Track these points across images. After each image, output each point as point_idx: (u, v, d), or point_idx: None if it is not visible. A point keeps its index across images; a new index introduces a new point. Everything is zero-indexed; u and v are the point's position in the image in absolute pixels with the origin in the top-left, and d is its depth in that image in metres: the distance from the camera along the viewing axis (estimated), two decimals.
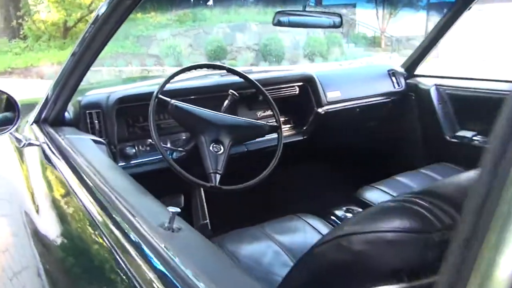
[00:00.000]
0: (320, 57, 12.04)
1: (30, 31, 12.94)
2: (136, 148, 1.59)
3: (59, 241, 0.88)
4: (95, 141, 1.20)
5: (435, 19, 14.96)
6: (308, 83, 1.94)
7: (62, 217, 0.91)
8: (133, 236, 0.68)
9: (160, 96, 1.34)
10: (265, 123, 1.49)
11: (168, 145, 1.63)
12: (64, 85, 1.17)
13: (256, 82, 1.56)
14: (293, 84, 1.91)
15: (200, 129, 1.36)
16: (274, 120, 1.83)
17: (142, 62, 11.51)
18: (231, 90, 1.55)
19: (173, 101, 1.35)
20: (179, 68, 1.44)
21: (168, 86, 1.41)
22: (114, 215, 0.73)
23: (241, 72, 1.55)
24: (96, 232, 0.75)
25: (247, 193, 2.27)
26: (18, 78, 11.50)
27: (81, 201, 0.81)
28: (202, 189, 2.13)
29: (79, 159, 0.97)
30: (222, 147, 1.35)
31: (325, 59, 12.07)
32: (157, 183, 1.56)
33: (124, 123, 1.59)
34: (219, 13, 13.07)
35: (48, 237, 0.91)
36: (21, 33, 12.94)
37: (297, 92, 1.93)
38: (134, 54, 12.18)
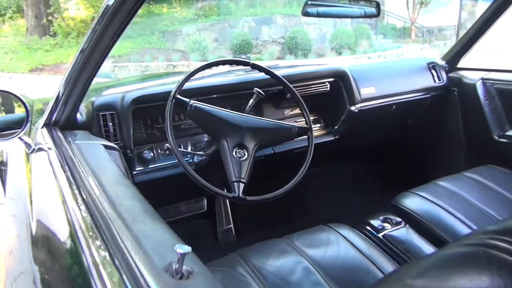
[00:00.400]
0: (348, 50, 11.70)
1: (59, 28, 13.21)
2: (155, 151, 1.48)
3: (46, 263, 0.76)
4: (107, 147, 1.10)
5: (468, 8, 14.40)
6: (341, 79, 1.78)
7: (50, 241, 0.80)
8: (130, 283, 0.53)
9: (178, 96, 1.22)
10: (294, 125, 1.34)
11: (189, 149, 1.52)
12: (74, 85, 1.06)
13: (284, 79, 1.42)
14: (324, 80, 1.75)
15: (222, 132, 1.23)
16: (304, 121, 1.69)
17: (168, 57, 11.52)
18: (256, 88, 1.41)
19: (192, 101, 1.23)
20: (200, 65, 1.32)
21: (187, 85, 1.29)
22: (111, 252, 0.59)
23: (267, 68, 1.41)
24: (83, 269, 0.60)
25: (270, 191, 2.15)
26: (48, 74, 11.75)
27: (75, 228, 0.68)
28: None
29: (85, 170, 0.86)
30: (246, 153, 1.22)
31: (352, 52, 11.74)
32: (178, 187, 1.44)
33: (142, 125, 1.48)
34: (244, 6, 12.92)
35: (37, 252, 0.79)
36: (51, 30, 13.22)
37: (328, 89, 1.77)
38: (160, 50, 12.22)
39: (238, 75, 1.71)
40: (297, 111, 1.81)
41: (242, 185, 1.17)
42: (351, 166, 2.38)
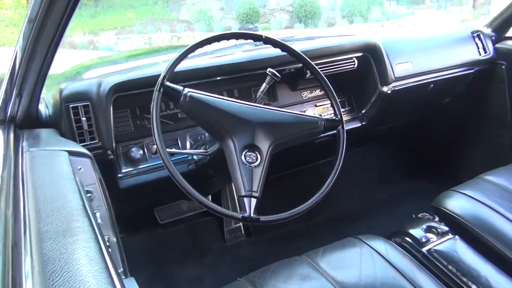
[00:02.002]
0: (360, 18, 11.16)
1: None
2: (146, 148, 1.20)
3: None
4: (75, 154, 0.82)
5: None
6: (371, 54, 1.47)
7: None
8: None
9: (168, 84, 0.93)
10: (320, 117, 1.05)
11: (187, 145, 1.25)
12: (26, 68, 0.79)
13: (305, 57, 1.12)
14: (351, 56, 1.45)
15: (227, 130, 0.95)
16: (327, 107, 1.40)
17: (172, 28, 11.11)
18: (270, 69, 1.12)
19: (186, 90, 0.94)
20: (204, 36, 1.01)
21: (181, 66, 1.00)
22: None
23: (284, 42, 1.10)
24: None
25: (286, 195, 1.88)
26: None
27: None
28: (232, 188, 1.76)
29: (28, 202, 0.59)
30: (258, 156, 0.94)
31: (365, 20, 11.20)
32: (177, 188, 1.17)
33: (129, 115, 1.20)
34: None
35: None
36: None
37: (355, 66, 1.46)
38: (164, 20, 11.78)
39: (245, 50, 1.41)
40: (317, 92, 1.51)
41: (254, 201, 0.90)
42: (375, 153, 2.09)
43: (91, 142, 1.04)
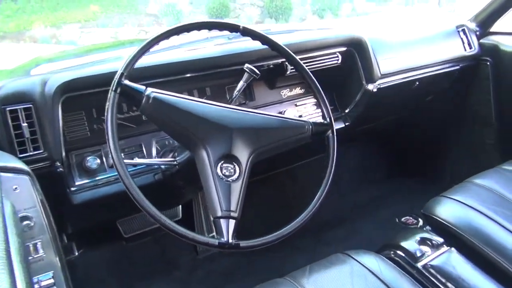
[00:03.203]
0: (330, 13, 11.17)
1: None
2: (104, 156, 1.04)
3: None
4: (6, 171, 0.65)
5: None
6: (356, 49, 1.35)
7: None
8: None
9: (126, 82, 0.77)
10: (307, 120, 0.91)
11: (153, 151, 1.09)
12: None
13: (289, 51, 0.98)
14: (335, 50, 1.32)
15: (199, 137, 0.80)
16: (312, 109, 1.28)
17: (140, 22, 10.76)
18: (247, 65, 0.98)
19: (149, 90, 0.78)
20: (162, 31, 0.86)
21: (144, 62, 0.84)
22: None
23: (264, 34, 0.96)
24: None
25: (264, 200, 1.73)
26: (11, 42, 10.85)
27: None
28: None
29: None
30: (237, 168, 0.80)
31: (335, 15, 11.22)
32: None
33: (84, 118, 1.03)
34: None
35: None
36: None
37: (339, 62, 1.34)
38: (131, 14, 11.38)
39: (219, 44, 1.26)
40: (297, 91, 1.38)
41: (233, 224, 0.75)
42: (355, 154, 1.99)
43: (35, 152, 0.87)
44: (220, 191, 0.76)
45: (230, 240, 0.75)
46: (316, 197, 0.88)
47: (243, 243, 0.76)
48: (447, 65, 1.58)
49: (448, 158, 1.94)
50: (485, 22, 1.65)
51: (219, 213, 0.75)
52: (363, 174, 2.00)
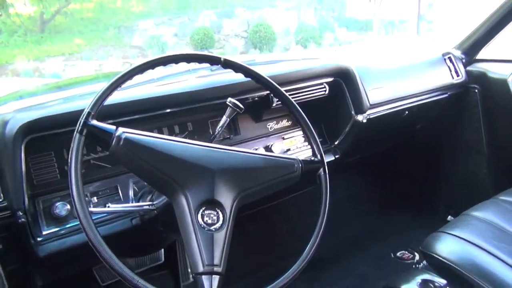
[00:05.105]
0: (313, 43, 11.40)
1: (4, 25, 12.17)
2: None
3: None
4: None
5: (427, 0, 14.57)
6: (343, 79, 1.30)
7: None
8: None
9: (94, 123, 0.69)
10: (296, 158, 0.84)
11: (130, 192, 0.99)
12: None
13: (274, 83, 0.92)
14: (321, 81, 1.27)
15: (177, 182, 0.72)
16: (301, 141, 1.21)
17: (124, 54, 10.79)
18: (231, 99, 0.91)
19: (120, 130, 0.71)
20: (138, 63, 0.79)
21: (117, 98, 0.77)
22: None
23: (247, 66, 0.90)
24: None
25: (249, 240, 1.63)
26: None
27: None
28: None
29: None
30: (220, 215, 0.72)
31: (318, 45, 11.46)
32: (120, 246, 0.91)
33: (53, 159, 0.94)
34: None
35: None
36: None
37: (326, 93, 1.29)
38: (115, 46, 11.43)
39: (201, 76, 1.21)
40: (284, 123, 1.32)
41: (216, 280, 0.66)
42: (345, 186, 1.93)
43: None
44: (202, 242, 0.68)
45: None
46: (311, 241, 0.80)
47: None
48: (435, 94, 1.55)
49: (441, 188, 1.88)
50: (471, 50, 1.64)
51: (201, 269, 0.66)
52: (356, 207, 1.93)
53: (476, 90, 1.63)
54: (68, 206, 0.92)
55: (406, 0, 13.83)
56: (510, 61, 1.57)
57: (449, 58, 1.60)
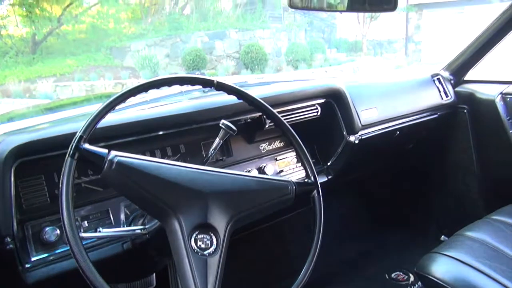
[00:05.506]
0: (304, 64, 11.55)
1: None
2: None
3: None
4: None
5: (414, 22, 14.99)
6: (335, 100, 1.32)
7: None
8: None
9: (86, 147, 0.69)
10: (289, 180, 0.84)
11: (122, 219, 0.98)
12: None
13: (266, 105, 0.93)
14: (313, 102, 1.28)
15: (170, 206, 0.71)
16: (294, 162, 1.21)
17: (116, 75, 10.81)
18: (224, 122, 0.92)
19: (112, 154, 0.70)
20: (130, 87, 0.79)
21: (110, 120, 0.77)
22: None
23: (239, 88, 0.91)
24: None
25: (243, 262, 1.61)
26: None
27: None
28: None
29: None
30: (214, 239, 0.71)
31: (309, 66, 11.60)
32: (110, 271, 0.88)
33: (43, 183, 0.93)
34: (196, 20, 12.46)
35: None
36: None
37: (318, 114, 1.30)
38: (107, 67, 11.48)
39: (193, 98, 1.21)
40: (277, 144, 1.32)
41: None
42: (337, 208, 1.92)
43: None
44: (195, 267, 0.66)
45: None
46: (305, 268, 0.79)
47: None
48: (425, 114, 1.57)
49: (434, 208, 1.89)
50: (459, 71, 1.67)
51: None
52: (349, 227, 1.92)
53: (465, 111, 1.66)
54: (58, 231, 0.90)
55: (394, 22, 14.17)
56: (497, 82, 1.60)
57: (438, 79, 1.63)
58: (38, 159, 0.86)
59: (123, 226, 0.98)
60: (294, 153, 1.33)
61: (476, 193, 1.73)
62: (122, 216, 0.99)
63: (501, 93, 1.54)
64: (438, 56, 12.61)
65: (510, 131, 1.52)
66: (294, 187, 0.83)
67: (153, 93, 1.07)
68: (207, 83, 0.85)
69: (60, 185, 0.66)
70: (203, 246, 0.69)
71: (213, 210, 0.72)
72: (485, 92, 1.59)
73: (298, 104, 1.25)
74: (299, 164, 1.32)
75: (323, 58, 12.51)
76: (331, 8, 1.23)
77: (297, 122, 1.25)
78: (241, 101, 0.93)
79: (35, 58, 12.42)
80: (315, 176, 0.88)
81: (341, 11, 1.17)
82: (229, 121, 0.96)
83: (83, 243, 0.69)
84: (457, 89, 1.67)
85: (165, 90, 1.17)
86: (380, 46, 14.81)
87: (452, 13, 13.90)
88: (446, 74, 1.68)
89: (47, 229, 0.89)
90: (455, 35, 12.27)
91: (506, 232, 1.28)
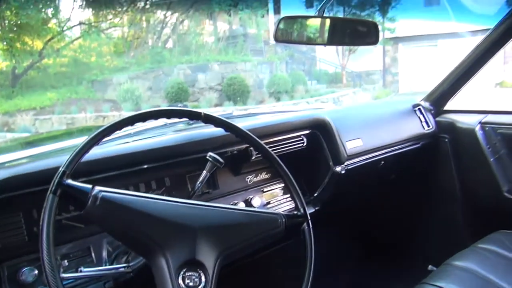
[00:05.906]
0: (286, 95, 11.73)
1: None
2: None
3: None
4: None
5: (391, 54, 15.56)
6: (320, 131, 1.32)
7: None
8: None
9: (69, 182, 0.66)
10: (279, 213, 0.83)
11: (104, 257, 0.94)
12: None
13: (255, 137, 0.92)
14: (299, 133, 1.29)
15: (156, 242, 0.68)
16: (280, 194, 1.20)
17: (98, 108, 10.74)
18: (211, 154, 0.91)
19: (96, 189, 0.68)
20: (118, 119, 0.77)
21: (94, 153, 0.74)
22: None
23: (227, 120, 0.90)
24: None
25: None
26: None
27: None
28: None
29: None
30: (203, 276, 0.68)
31: (290, 97, 11.79)
32: None
33: (21, 221, 0.88)
34: (178, 54, 12.62)
35: None
36: None
37: (304, 145, 1.30)
38: (89, 100, 11.40)
39: (178, 130, 1.20)
40: (264, 176, 1.31)
41: None
42: (324, 240, 1.90)
43: None
44: None
45: None
46: None
47: None
48: (409, 143, 1.59)
49: (421, 237, 1.88)
50: (438, 102, 1.71)
51: None
52: (337, 259, 1.89)
53: (447, 140, 1.69)
54: (36, 272, 0.86)
55: (372, 54, 14.63)
56: (476, 111, 1.64)
57: (419, 109, 1.66)
58: (17, 195, 0.82)
59: (106, 265, 0.94)
60: (281, 185, 1.32)
61: (461, 221, 1.73)
62: (105, 254, 0.95)
63: (480, 122, 1.58)
64: (415, 86, 13.10)
65: (491, 159, 1.55)
66: (283, 220, 0.81)
67: (137, 126, 1.05)
68: (194, 116, 0.85)
69: (40, 223, 0.63)
70: (191, 284, 0.66)
71: (202, 246, 0.69)
72: (465, 121, 1.63)
73: (284, 135, 1.25)
74: (286, 196, 1.30)
75: (305, 89, 12.74)
76: (311, 42, 1.26)
77: (284, 153, 1.25)
78: (227, 133, 0.93)
79: (14, 91, 12.26)
80: (304, 208, 0.87)
81: (322, 44, 1.19)
82: (215, 153, 0.95)
83: (63, 283, 0.65)
84: (437, 118, 1.71)
85: (149, 123, 1.16)
86: (359, 78, 15.20)
87: (426, 46, 14.53)
88: (427, 104, 1.72)
89: (24, 269, 0.85)
90: (429, 67, 12.78)
91: (493, 261, 1.28)
